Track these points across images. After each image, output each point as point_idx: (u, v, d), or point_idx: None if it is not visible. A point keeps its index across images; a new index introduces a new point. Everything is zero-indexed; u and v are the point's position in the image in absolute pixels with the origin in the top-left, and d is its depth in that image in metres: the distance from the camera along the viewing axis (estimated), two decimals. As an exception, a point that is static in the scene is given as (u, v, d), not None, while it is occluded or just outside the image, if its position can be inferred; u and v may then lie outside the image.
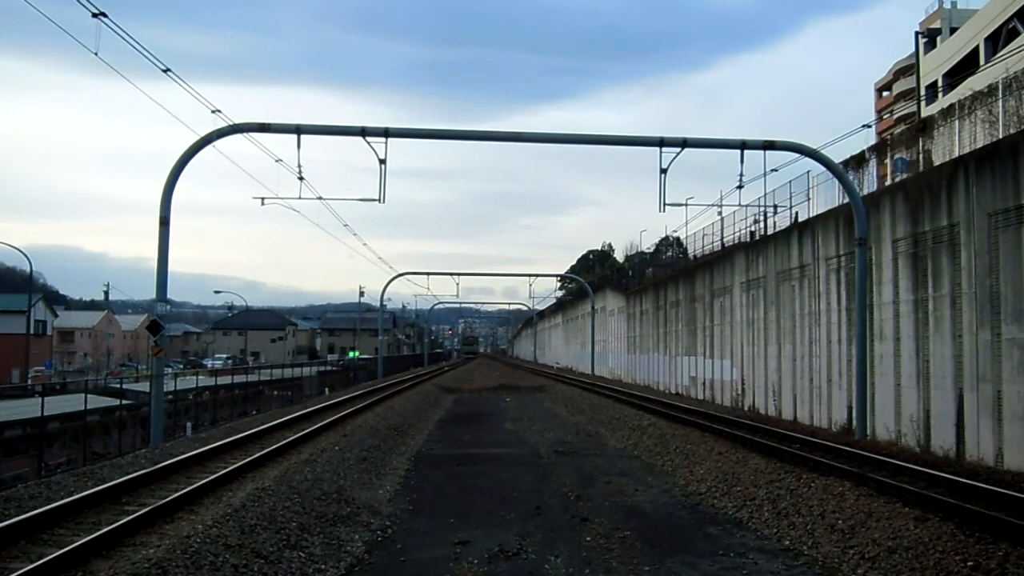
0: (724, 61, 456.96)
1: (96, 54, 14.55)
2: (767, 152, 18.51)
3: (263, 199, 20.99)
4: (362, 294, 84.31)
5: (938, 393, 15.05)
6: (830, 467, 12.02)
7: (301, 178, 18.60)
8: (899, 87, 62.36)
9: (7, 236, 70.37)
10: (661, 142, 18.01)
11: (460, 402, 32.65)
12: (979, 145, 14.80)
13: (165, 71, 15.98)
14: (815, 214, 21.60)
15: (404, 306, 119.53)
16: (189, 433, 25.35)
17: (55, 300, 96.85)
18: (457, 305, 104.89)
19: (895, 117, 52.35)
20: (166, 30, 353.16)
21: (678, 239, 44.55)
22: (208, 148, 17.45)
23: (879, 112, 63.56)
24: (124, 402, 30.52)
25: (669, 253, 48.53)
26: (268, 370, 50.66)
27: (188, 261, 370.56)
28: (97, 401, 30.60)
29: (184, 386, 36.76)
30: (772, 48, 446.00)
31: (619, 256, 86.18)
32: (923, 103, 37.58)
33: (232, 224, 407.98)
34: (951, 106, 16.78)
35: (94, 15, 13.98)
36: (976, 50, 38.38)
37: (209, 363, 79.31)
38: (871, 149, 20.14)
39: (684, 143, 17.99)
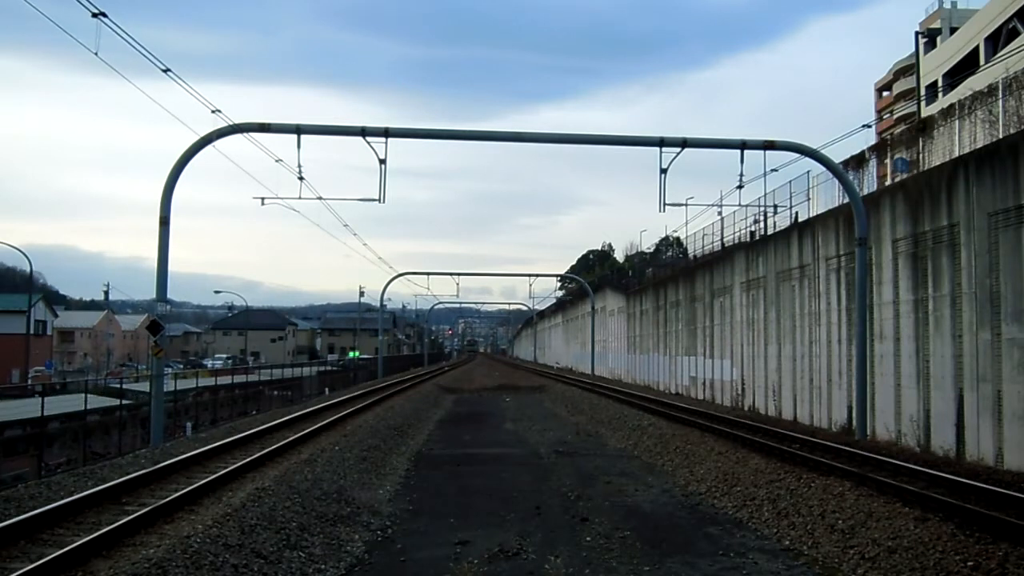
0: (723, 60, 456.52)
1: (96, 54, 14.56)
2: (767, 152, 18.54)
3: (263, 199, 21.04)
4: (362, 294, 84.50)
5: (938, 393, 15.05)
6: (830, 467, 12.02)
7: (301, 178, 18.64)
8: (899, 87, 62.37)
9: (7, 236, 70.06)
10: (661, 142, 18.03)
11: (460, 402, 32.63)
12: (979, 145, 14.81)
13: (165, 71, 16.01)
14: (815, 214, 21.61)
15: (404, 306, 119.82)
16: (189, 433, 25.38)
17: (55, 300, 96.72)
18: (457, 305, 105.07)
19: (895, 117, 52.36)
20: (166, 30, 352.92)
21: (678, 239, 44.63)
22: (208, 148, 17.48)
23: (879, 112, 63.55)
24: (125, 402, 30.55)
25: (669, 253, 48.58)
26: (268, 370, 50.73)
27: (188, 261, 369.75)
28: (97, 401, 30.63)
29: (184, 386, 36.77)
30: (772, 47, 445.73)
31: (619, 256, 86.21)
32: (923, 103, 37.57)
33: (232, 224, 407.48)
34: (951, 106, 16.78)
35: (94, 15, 13.98)
36: (976, 50, 38.40)
37: (209, 363, 79.32)
38: (871, 149, 20.15)
39: (684, 143, 18.01)
